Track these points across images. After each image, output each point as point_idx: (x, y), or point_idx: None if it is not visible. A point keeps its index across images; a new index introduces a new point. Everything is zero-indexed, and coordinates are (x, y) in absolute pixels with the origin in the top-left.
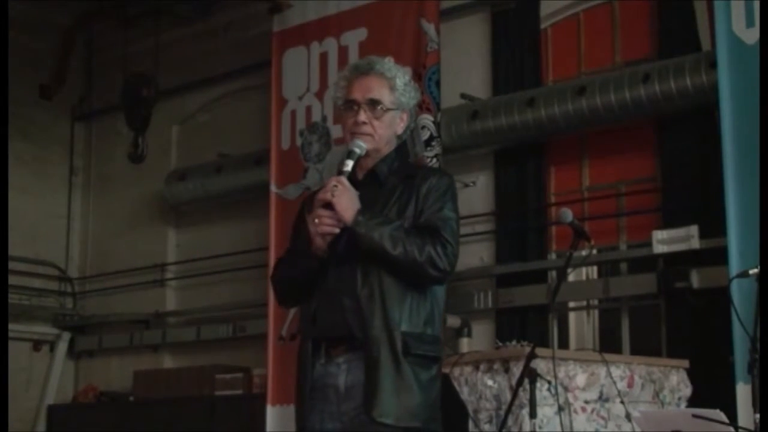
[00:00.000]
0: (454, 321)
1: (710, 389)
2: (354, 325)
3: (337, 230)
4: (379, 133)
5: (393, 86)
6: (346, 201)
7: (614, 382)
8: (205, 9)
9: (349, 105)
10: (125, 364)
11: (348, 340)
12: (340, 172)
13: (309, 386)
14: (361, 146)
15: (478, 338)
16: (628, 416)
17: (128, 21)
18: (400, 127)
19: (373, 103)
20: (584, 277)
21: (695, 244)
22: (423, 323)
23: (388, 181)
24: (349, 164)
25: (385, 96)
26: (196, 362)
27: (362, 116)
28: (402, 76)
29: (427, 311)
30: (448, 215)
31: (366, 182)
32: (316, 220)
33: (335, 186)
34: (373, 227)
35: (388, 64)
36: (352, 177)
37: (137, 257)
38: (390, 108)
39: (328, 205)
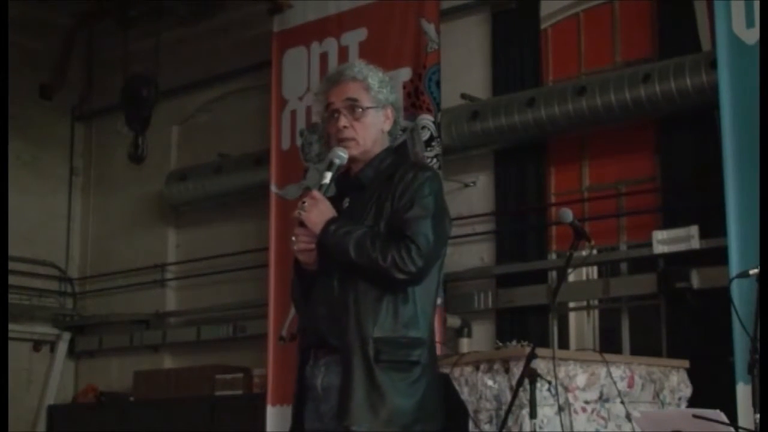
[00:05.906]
0: (454, 321)
1: (710, 389)
2: (328, 333)
3: (312, 246)
4: (363, 135)
5: (367, 86)
6: (315, 215)
7: (614, 383)
8: (205, 9)
9: (330, 113)
10: (125, 364)
11: (327, 346)
12: (320, 186)
13: (298, 387)
14: (341, 156)
15: (478, 338)
16: (628, 416)
17: (128, 21)
18: (387, 124)
19: (352, 104)
20: (584, 277)
21: (695, 244)
22: (403, 326)
23: (372, 183)
24: (328, 176)
25: (362, 96)
26: (197, 362)
27: (343, 121)
28: (374, 75)
29: (409, 313)
30: (417, 213)
31: (354, 187)
32: (293, 239)
33: (303, 202)
34: (340, 237)
35: (357, 67)
36: (345, 182)
37: (137, 257)
38: (369, 107)
39: (303, 222)
